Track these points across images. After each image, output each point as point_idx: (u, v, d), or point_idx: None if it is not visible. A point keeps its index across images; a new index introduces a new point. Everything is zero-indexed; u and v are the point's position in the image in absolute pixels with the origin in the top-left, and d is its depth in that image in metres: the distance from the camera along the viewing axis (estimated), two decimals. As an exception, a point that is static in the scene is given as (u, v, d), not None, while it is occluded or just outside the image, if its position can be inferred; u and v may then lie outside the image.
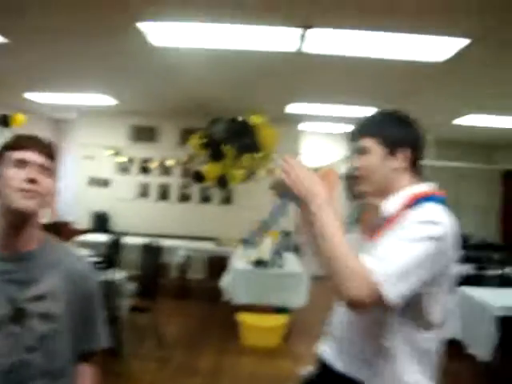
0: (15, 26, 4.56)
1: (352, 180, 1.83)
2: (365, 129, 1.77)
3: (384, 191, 1.74)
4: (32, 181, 1.47)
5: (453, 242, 1.63)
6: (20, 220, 1.49)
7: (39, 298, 1.50)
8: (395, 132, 1.74)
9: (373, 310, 1.62)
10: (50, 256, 1.59)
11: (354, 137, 1.81)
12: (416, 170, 1.77)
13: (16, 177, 1.46)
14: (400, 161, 1.73)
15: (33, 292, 1.50)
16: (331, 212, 1.58)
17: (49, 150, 1.55)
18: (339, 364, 1.79)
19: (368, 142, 1.74)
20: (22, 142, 1.52)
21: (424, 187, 1.72)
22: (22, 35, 4.83)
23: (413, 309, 1.62)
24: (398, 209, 1.66)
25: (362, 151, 1.74)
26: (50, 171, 1.53)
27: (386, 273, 1.47)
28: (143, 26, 4.30)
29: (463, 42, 4.21)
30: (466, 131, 8.77)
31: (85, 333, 1.65)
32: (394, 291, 1.48)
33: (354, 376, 1.71)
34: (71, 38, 4.86)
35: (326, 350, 1.89)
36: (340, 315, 1.86)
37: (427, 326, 1.65)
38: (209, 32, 4.41)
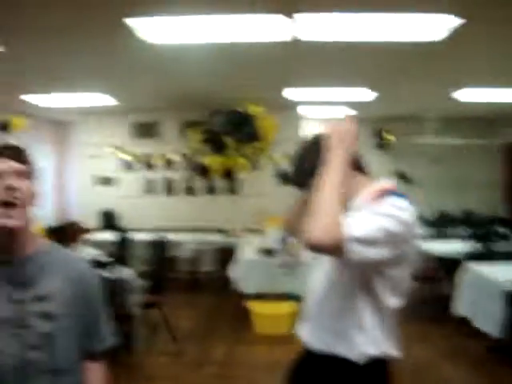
0: (8, 31, 4.58)
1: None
2: (302, 173, 1.91)
3: (351, 199, 1.85)
4: (10, 188, 1.50)
5: (415, 232, 1.77)
6: (7, 233, 1.53)
7: (40, 298, 1.55)
8: (320, 157, 1.83)
9: (344, 283, 1.80)
10: (50, 258, 1.63)
11: (299, 185, 1.97)
12: (363, 168, 1.92)
13: None
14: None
15: (34, 293, 1.55)
16: (341, 172, 1.71)
17: (20, 155, 1.58)
18: (317, 343, 1.91)
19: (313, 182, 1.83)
20: None
21: (384, 183, 1.85)
22: (16, 40, 4.85)
23: (381, 281, 1.76)
24: (365, 203, 1.76)
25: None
26: (26, 175, 1.57)
27: (353, 233, 1.59)
28: (133, 23, 4.30)
29: (456, 21, 4.20)
30: (466, 107, 8.72)
31: (88, 333, 1.69)
32: (355, 250, 1.59)
33: (333, 352, 1.84)
34: (65, 39, 4.86)
35: (303, 330, 2.00)
36: (315, 293, 1.97)
37: (393, 297, 1.79)
38: (200, 25, 4.41)
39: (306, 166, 1.92)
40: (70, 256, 1.74)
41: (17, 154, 1.57)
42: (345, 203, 1.79)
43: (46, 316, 1.55)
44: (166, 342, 5.58)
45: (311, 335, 1.95)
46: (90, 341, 1.70)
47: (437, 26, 4.40)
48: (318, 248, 1.63)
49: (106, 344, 1.75)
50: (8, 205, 1.50)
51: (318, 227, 1.59)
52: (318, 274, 1.98)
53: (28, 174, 1.58)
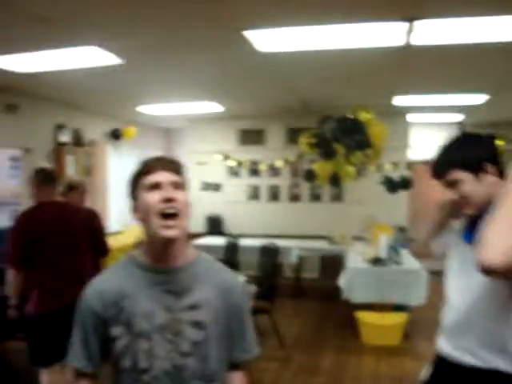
0: (128, 47, 4.81)
1: (456, 205, 2.04)
2: (446, 164, 1.95)
3: (488, 204, 1.85)
4: (168, 200, 1.57)
5: None
6: (165, 243, 1.60)
7: (192, 307, 1.61)
8: (471, 155, 1.91)
9: (500, 296, 1.79)
10: (201, 269, 1.70)
11: (440, 175, 1.99)
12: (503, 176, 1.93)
13: (153, 200, 1.57)
14: (489, 175, 1.88)
15: (186, 302, 1.61)
16: None
17: (176, 167, 1.66)
18: (466, 357, 1.89)
19: (454, 175, 1.92)
20: (150, 166, 1.63)
21: None
22: (134, 54, 5.07)
23: None
24: None
25: (453, 184, 1.94)
26: (181, 186, 1.64)
27: None
28: (249, 34, 4.37)
29: None
30: None
31: (235, 342, 1.73)
32: None
33: (491, 367, 1.82)
34: (180, 52, 5.04)
35: (445, 344, 2.00)
36: (461, 306, 1.94)
37: None
38: (313, 34, 4.41)
39: (448, 159, 1.97)
40: (217, 266, 1.80)
41: (172, 165, 1.65)
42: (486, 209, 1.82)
43: (198, 324, 1.61)
44: (274, 347, 5.63)
45: (458, 349, 1.93)
46: (237, 350, 1.74)
47: None
48: (492, 272, 1.58)
49: (250, 355, 1.78)
50: (167, 216, 1.56)
51: (495, 251, 1.54)
52: (461, 286, 1.96)
53: (183, 185, 1.65)
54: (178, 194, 1.60)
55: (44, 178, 3.81)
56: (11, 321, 3.91)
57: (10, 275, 3.66)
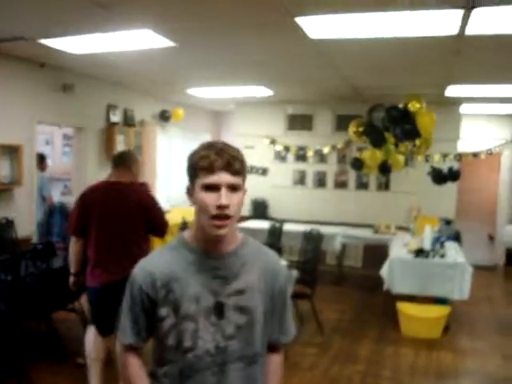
0: (180, 30, 4.87)
1: None
2: None
3: None
4: (223, 207, 1.55)
5: None
6: (216, 239, 1.64)
7: (238, 292, 1.66)
8: None
9: None
10: (248, 252, 1.73)
11: None
12: None
13: (208, 201, 1.56)
14: None
15: (233, 287, 1.66)
16: None
17: (237, 166, 1.59)
18: None
19: None
20: (211, 163, 1.56)
21: None
22: (187, 38, 5.13)
23: None
24: None
25: None
26: (238, 187, 1.60)
27: None
28: (301, 21, 4.37)
29: None
30: None
31: (276, 325, 1.78)
32: None
33: None
34: (232, 36, 5.07)
35: None
36: None
37: None
38: (366, 21, 4.37)
39: None
40: (263, 249, 1.82)
41: (233, 164, 1.58)
42: None
43: (242, 309, 1.65)
44: (313, 333, 5.67)
45: None
46: (277, 333, 1.80)
47: None
48: None
49: (289, 337, 1.83)
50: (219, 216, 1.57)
51: None
52: None
53: (240, 186, 1.61)
54: (233, 198, 1.57)
55: (114, 160, 4.06)
56: (64, 292, 4.13)
57: (71, 242, 3.93)
